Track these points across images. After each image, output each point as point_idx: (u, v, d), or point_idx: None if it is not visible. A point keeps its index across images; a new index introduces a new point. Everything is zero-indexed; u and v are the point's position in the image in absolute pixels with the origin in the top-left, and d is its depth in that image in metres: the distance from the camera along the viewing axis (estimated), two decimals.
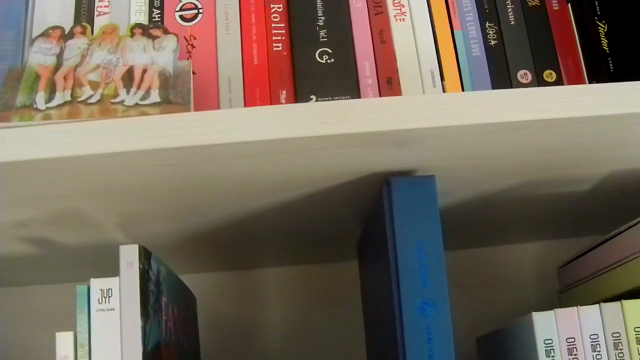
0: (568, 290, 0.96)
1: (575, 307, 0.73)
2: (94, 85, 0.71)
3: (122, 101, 0.69)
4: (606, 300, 0.74)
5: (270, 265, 1.14)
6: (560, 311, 0.73)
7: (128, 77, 0.71)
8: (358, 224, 0.94)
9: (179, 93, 0.70)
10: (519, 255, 1.15)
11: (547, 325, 0.73)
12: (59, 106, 0.69)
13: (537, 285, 1.14)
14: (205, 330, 1.09)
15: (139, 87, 0.70)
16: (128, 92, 0.70)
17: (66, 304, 1.08)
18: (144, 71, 0.72)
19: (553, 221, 1.04)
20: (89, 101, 0.69)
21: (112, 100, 0.69)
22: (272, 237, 0.98)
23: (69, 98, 0.70)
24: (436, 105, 0.66)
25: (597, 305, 0.73)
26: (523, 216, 0.99)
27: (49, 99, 0.70)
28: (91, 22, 0.80)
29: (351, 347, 1.12)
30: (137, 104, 0.69)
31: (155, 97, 0.70)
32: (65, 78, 0.71)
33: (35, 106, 0.69)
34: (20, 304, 1.14)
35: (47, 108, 0.69)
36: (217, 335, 1.13)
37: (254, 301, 1.15)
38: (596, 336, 0.72)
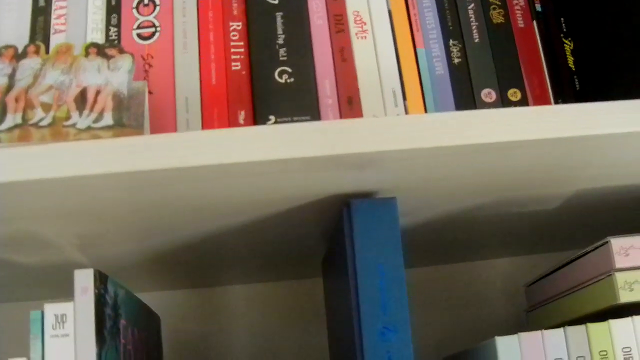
0: (535, 310, 0.96)
1: (540, 331, 0.72)
2: (46, 107, 0.69)
3: (75, 124, 0.68)
4: (571, 322, 0.73)
5: (235, 282, 1.13)
6: (525, 335, 0.72)
7: (81, 99, 0.70)
8: (322, 243, 0.93)
9: (132, 115, 0.68)
10: (486, 271, 1.15)
11: (510, 349, 0.72)
12: (9, 129, 0.68)
13: (504, 302, 1.13)
14: (170, 348, 1.08)
15: (92, 109, 0.69)
16: (81, 114, 0.69)
17: (20, 323, 1.06)
18: (98, 92, 0.70)
19: (520, 239, 1.03)
20: (40, 124, 0.68)
21: (64, 123, 0.68)
22: (235, 255, 0.96)
23: (20, 121, 0.68)
24: (396, 127, 0.65)
25: (561, 328, 0.72)
26: (489, 234, 0.98)
27: (0, 121, 0.68)
28: (47, 40, 0.78)
29: None
30: (89, 127, 0.67)
31: (108, 119, 0.68)
32: (16, 99, 0.70)
33: None
34: None
35: None
36: (182, 353, 1.12)
37: (219, 319, 1.13)
38: None
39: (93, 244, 0.85)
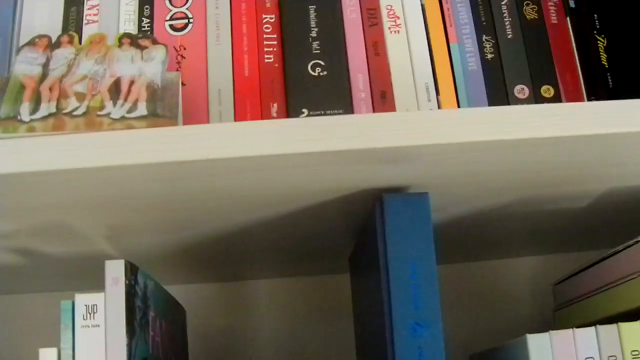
0: (563, 308, 0.95)
1: (571, 329, 0.72)
2: (80, 97, 0.69)
3: (109, 114, 0.68)
4: (602, 321, 0.73)
5: (260, 277, 1.13)
6: (555, 333, 0.71)
7: (115, 89, 0.70)
8: (350, 238, 0.93)
9: (166, 106, 0.68)
10: (514, 269, 1.14)
11: (541, 347, 0.71)
12: (43, 118, 0.67)
13: (532, 301, 1.13)
14: (194, 342, 1.08)
15: (125, 100, 0.69)
16: (115, 104, 0.68)
17: (52, 313, 1.07)
18: (132, 83, 0.70)
19: (549, 237, 1.02)
20: (74, 113, 0.68)
21: (98, 113, 0.68)
22: (262, 250, 0.96)
23: (54, 110, 0.68)
24: (431, 122, 0.65)
25: (593, 327, 0.72)
26: (519, 232, 0.98)
27: (34, 110, 0.68)
28: (79, 31, 0.78)
29: None
30: (123, 117, 0.67)
31: (142, 110, 0.68)
32: (50, 89, 0.70)
33: (19, 117, 0.68)
34: (5, 312, 1.12)
35: (32, 120, 0.67)
36: (207, 347, 1.12)
37: (244, 313, 1.13)
38: (592, 359, 0.71)
39: (121, 235, 0.85)
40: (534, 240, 1.04)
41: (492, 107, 0.67)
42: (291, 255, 1.00)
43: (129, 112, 0.68)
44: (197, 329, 1.10)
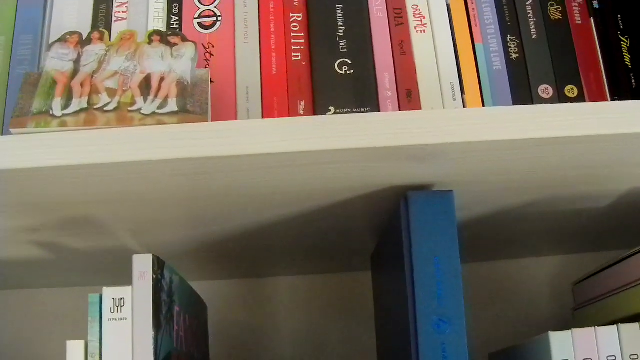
0: (583, 308, 0.95)
1: (593, 328, 0.72)
2: (111, 93, 0.70)
3: (139, 109, 0.68)
4: (622, 320, 0.73)
5: (282, 274, 1.14)
6: (578, 331, 0.72)
7: (145, 85, 0.70)
8: (373, 237, 0.93)
9: (196, 102, 0.69)
10: (534, 269, 1.14)
11: (563, 345, 0.72)
12: (75, 113, 0.68)
13: (551, 300, 1.13)
14: (215, 338, 1.08)
15: (156, 96, 0.69)
16: (145, 100, 0.69)
17: (77, 308, 1.08)
18: (162, 79, 0.71)
19: (570, 237, 1.03)
20: (105, 109, 0.69)
21: (129, 108, 0.69)
22: (285, 247, 0.97)
23: (85, 105, 0.69)
24: (457, 120, 0.66)
25: (615, 325, 0.72)
26: (540, 231, 0.98)
27: (66, 105, 0.69)
28: (109, 28, 0.79)
29: (362, 358, 1.11)
30: (154, 113, 0.68)
31: (172, 106, 0.69)
32: (82, 84, 0.70)
33: (51, 112, 0.68)
34: (31, 306, 1.13)
35: (64, 115, 0.68)
36: (227, 344, 1.12)
37: (265, 310, 1.14)
38: (614, 358, 0.71)
39: (147, 231, 0.86)
40: (555, 240, 1.04)
41: (517, 106, 0.67)
42: (313, 253, 1.01)
43: (159, 107, 0.69)
44: (217, 324, 1.11)
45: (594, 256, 1.12)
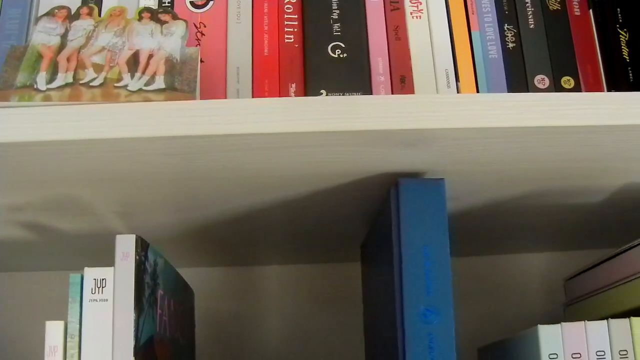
0: (574, 304, 0.94)
1: (583, 322, 0.71)
2: (98, 68, 0.68)
3: (126, 86, 0.67)
4: (613, 316, 0.72)
5: (271, 262, 1.13)
6: (567, 325, 0.71)
7: (133, 62, 0.69)
8: (363, 225, 0.92)
9: (184, 80, 0.68)
10: (525, 264, 1.14)
11: (552, 339, 0.71)
12: (60, 87, 0.67)
13: (542, 296, 1.12)
14: (202, 325, 1.07)
15: (143, 72, 0.68)
16: (132, 76, 0.68)
17: (60, 291, 1.06)
18: (150, 56, 0.70)
19: (563, 232, 1.02)
20: (91, 84, 0.67)
21: (115, 84, 0.67)
22: (274, 234, 0.96)
23: (71, 80, 0.67)
24: (450, 105, 0.65)
25: (604, 320, 0.71)
26: (532, 226, 0.97)
27: (51, 79, 0.68)
28: (99, 4, 0.78)
29: (350, 349, 1.11)
30: (140, 90, 0.67)
31: (160, 83, 0.67)
32: (68, 59, 0.69)
33: (35, 86, 0.67)
34: (13, 289, 1.13)
35: (48, 89, 0.67)
36: (214, 331, 1.11)
37: (253, 298, 1.13)
38: (603, 353, 0.70)
39: (133, 213, 0.85)
40: (547, 236, 1.04)
41: (512, 94, 0.67)
42: (302, 242, 1.00)
43: (146, 84, 0.67)
44: (204, 312, 1.10)
45: (585, 252, 1.11)
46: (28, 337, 1.11)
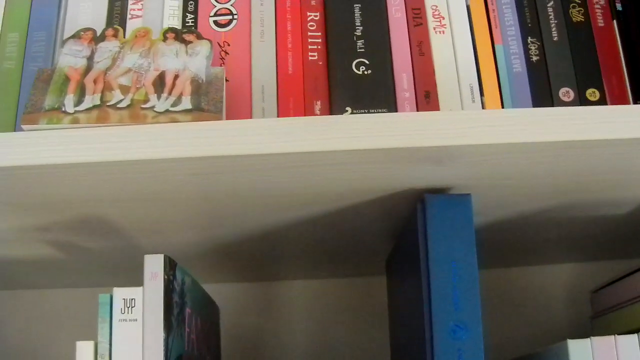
0: (600, 317, 0.94)
1: (613, 336, 0.71)
2: (124, 90, 0.69)
3: (153, 107, 0.68)
4: None
5: (295, 277, 1.13)
6: (597, 339, 0.71)
7: (159, 82, 0.69)
8: (389, 240, 0.92)
9: (211, 100, 0.68)
10: (552, 276, 1.13)
11: (582, 353, 0.70)
12: (87, 110, 0.67)
13: (568, 308, 1.12)
14: (227, 341, 1.08)
15: (170, 93, 0.68)
16: (159, 97, 0.68)
17: (87, 308, 1.07)
18: (176, 77, 0.70)
19: (590, 243, 1.01)
20: (118, 105, 0.68)
21: (142, 106, 0.68)
22: (298, 250, 0.96)
23: (98, 102, 0.68)
24: (476, 122, 0.65)
25: (635, 334, 0.71)
26: (559, 238, 0.97)
27: (78, 102, 0.68)
28: (124, 25, 0.78)
29: None
30: (167, 110, 0.67)
31: (186, 103, 0.68)
32: (95, 81, 0.70)
33: (63, 109, 0.67)
34: (42, 306, 1.13)
35: (76, 111, 0.67)
36: (239, 347, 1.12)
37: (277, 314, 1.13)
38: None
39: (159, 231, 0.85)
40: (573, 247, 1.03)
41: (538, 109, 0.66)
42: (327, 257, 1.00)
43: (173, 105, 0.68)
44: (230, 328, 1.10)
45: (611, 264, 1.11)
46: (56, 354, 1.11)
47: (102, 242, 0.88)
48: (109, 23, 0.78)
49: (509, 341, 1.08)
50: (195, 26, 0.78)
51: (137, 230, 0.84)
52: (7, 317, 1.13)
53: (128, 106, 0.68)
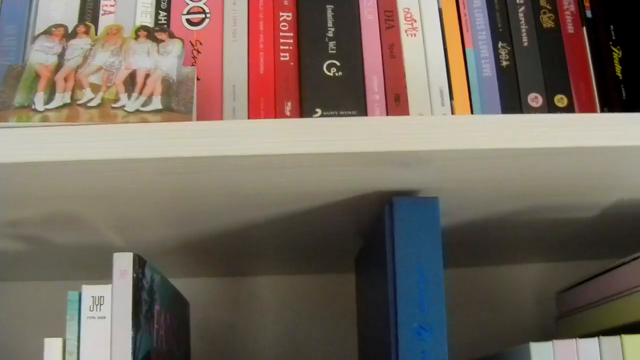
0: (565, 317, 0.95)
1: (574, 339, 0.71)
2: (95, 88, 0.69)
3: (123, 106, 0.68)
4: (604, 332, 0.73)
5: (265, 273, 1.13)
6: (559, 342, 0.71)
7: (130, 81, 0.70)
8: (358, 239, 0.92)
9: (181, 101, 0.68)
10: (518, 276, 1.14)
11: (544, 356, 0.71)
12: (58, 108, 0.67)
13: (534, 308, 1.13)
14: (196, 335, 1.08)
15: (140, 93, 0.69)
16: (129, 97, 0.68)
17: (56, 302, 1.07)
18: (147, 76, 0.70)
19: (556, 245, 1.02)
20: (89, 104, 0.68)
21: (113, 105, 0.68)
22: (269, 247, 0.96)
23: (68, 100, 0.68)
24: (444, 127, 0.65)
25: (596, 338, 0.71)
26: (525, 239, 0.98)
27: (48, 100, 0.68)
28: (96, 21, 0.78)
29: None
30: (138, 110, 0.67)
31: (157, 103, 0.68)
32: (65, 79, 0.70)
33: (33, 107, 0.67)
34: (8, 299, 1.12)
35: (46, 109, 0.67)
36: (209, 342, 1.12)
37: (247, 309, 1.13)
38: None
39: (130, 228, 0.85)
40: (540, 248, 1.04)
41: (505, 115, 0.67)
42: (297, 254, 1.00)
43: (143, 105, 0.68)
44: (199, 323, 1.10)
45: (578, 265, 1.12)
46: (23, 348, 1.11)
47: (72, 238, 0.87)
48: (81, 19, 0.78)
49: (475, 340, 1.09)
50: (168, 24, 0.78)
51: (108, 227, 0.84)
52: None
53: (98, 105, 0.68)
